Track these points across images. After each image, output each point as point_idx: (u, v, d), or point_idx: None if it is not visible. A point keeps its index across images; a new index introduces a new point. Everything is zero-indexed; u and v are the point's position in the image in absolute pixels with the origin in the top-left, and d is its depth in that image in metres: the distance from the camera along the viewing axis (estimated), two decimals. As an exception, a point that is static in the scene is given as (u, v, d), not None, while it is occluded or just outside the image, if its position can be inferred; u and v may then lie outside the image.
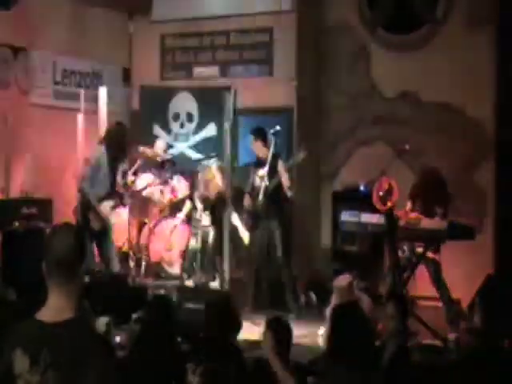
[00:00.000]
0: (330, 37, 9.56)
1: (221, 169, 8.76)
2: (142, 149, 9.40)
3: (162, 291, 8.04)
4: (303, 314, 8.22)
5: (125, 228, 8.73)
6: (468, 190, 8.73)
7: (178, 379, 4.36)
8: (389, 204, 7.09)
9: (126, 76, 10.60)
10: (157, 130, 10.02)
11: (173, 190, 9.36)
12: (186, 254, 8.71)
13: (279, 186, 8.08)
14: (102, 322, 5.53)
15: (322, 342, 6.32)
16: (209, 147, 9.57)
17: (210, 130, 9.78)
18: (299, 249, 9.31)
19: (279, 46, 9.83)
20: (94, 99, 9.21)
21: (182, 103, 10.00)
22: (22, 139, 8.71)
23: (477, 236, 6.99)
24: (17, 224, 7.90)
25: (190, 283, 8.40)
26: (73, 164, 9.02)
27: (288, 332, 4.54)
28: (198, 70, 10.32)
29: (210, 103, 9.64)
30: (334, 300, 6.28)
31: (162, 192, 9.33)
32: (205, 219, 8.61)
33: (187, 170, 9.46)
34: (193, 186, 8.91)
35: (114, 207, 7.83)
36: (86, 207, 7.71)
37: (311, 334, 6.77)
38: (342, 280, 6.34)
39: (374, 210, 7.16)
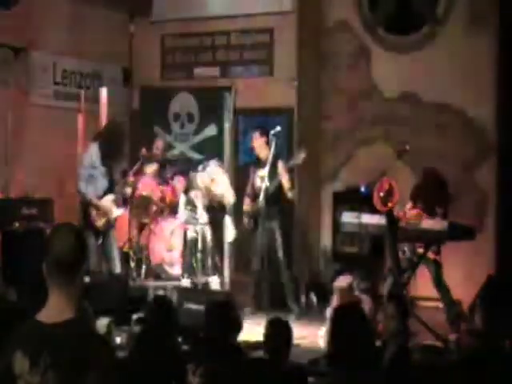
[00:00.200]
0: (330, 37, 9.56)
1: (220, 168, 8.76)
2: (142, 150, 9.40)
3: (163, 292, 8.04)
4: (304, 314, 8.23)
5: (125, 228, 8.73)
6: (468, 190, 8.73)
7: (178, 380, 4.36)
8: (389, 205, 7.09)
9: (127, 76, 10.59)
10: (157, 130, 10.02)
11: (173, 191, 9.36)
12: (184, 252, 8.69)
13: (280, 186, 8.09)
14: (102, 323, 5.53)
15: (322, 343, 6.32)
16: (209, 147, 9.58)
17: (211, 130, 9.78)
18: (299, 250, 9.31)
19: (279, 46, 9.83)
20: (95, 99, 9.21)
21: (183, 103, 10.01)
22: (22, 139, 8.71)
23: (477, 236, 6.99)
24: (17, 224, 7.90)
25: (187, 283, 8.39)
26: (73, 164, 9.01)
27: (288, 332, 4.54)
28: (199, 71, 10.32)
29: (211, 103, 9.65)
30: (335, 301, 6.28)
31: (162, 192, 9.33)
32: (202, 217, 8.59)
33: (188, 170, 9.45)
34: (188, 186, 8.87)
35: (115, 201, 7.82)
36: (87, 206, 7.72)
37: (312, 335, 6.77)
38: (343, 281, 6.34)
39: (375, 211, 7.16)
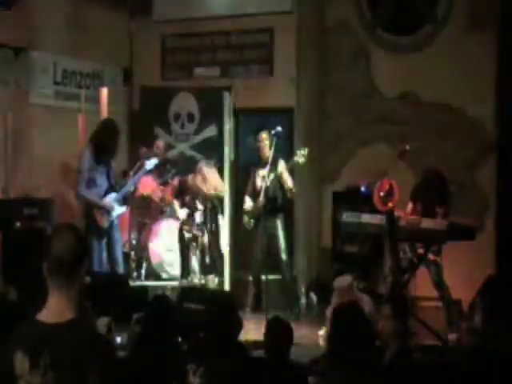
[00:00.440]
0: (330, 37, 9.57)
1: (210, 166, 8.77)
2: (142, 149, 9.41)
3: (163, 292, 8.04)
4: (304, 314, 8.23)
5: (125, 228, 8.73)
6: (469, 190, 8.74)
7: (178, 380, 4.36)
8: (389, 204, 7.09)
9: (127, 76, 10.59)
10: (157, 130, 10.02)
11: (173, 191, 9.35)
12: (182, 252, 8.68)
13: (281, 186, 8.09)
14: (102, 323, 5.53)
15: (322, 342, 6.32)
16: (209, 147, 9.57)
17: (211, 130, 9.78)
18: (300, 249, 9.31)
19: (279, 46, 9.83)
20: (95, 99, 9.20)
21: (183, 103, 10.00)
22: (22, 139, 8.70)
23: (477, 236, 6.99)
24: (17, 224, 7.90)
25: (185, 283, 8.38)
26: (73, 165, 9.01)
27: (289, 332, 4.54)
28: (199, 71, 10.32)
29: (211, 103, 9.64)
30: (335, 300, 6.27)
31: (162, 192, 9.33)
32: (199, 218, 8.59)
33: (188, 170, 9.44)
34: (181, 189, 8.86)
35: (116, 200, 7.83)
36: (90, 207, 7.73)
37: (312, 335, 6.78)
38: (343, 280, 6.34)
39: (375, 211, 7.16)
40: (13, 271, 7.47)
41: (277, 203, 8.09)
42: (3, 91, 8.52)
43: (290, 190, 8.16)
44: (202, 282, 8.45)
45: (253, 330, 6.02)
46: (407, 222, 6.81)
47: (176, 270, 8.81)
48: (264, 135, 8.19)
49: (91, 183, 7.69)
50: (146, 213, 9.42)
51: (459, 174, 8.71)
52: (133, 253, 9.11)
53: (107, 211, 7.72)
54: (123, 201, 8.01)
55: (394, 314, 4.80)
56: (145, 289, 8.00)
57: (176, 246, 8.78)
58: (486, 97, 8.66)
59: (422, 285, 7.54)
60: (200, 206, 8.64)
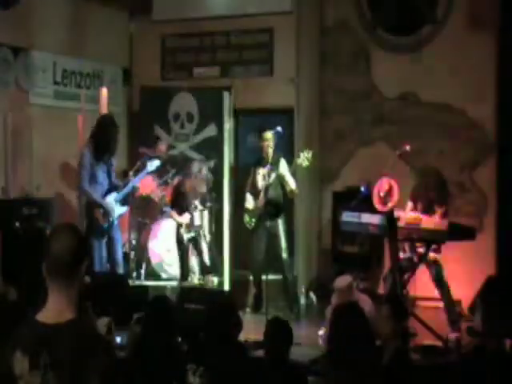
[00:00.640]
0: (330, 37, 9.57)
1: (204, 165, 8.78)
2: (142, 150, 9.41)
3: (163, 292, 8.04)
4: (304, 314, 8.23)
5: (125, 229, 8.73)
6: (468, 190, 8.74)
7: (178, 380, 4.36)
8: (389, 204, 7.09)
9: (127, 76, 10.59)
10: (157, 130, 10.02)
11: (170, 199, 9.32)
12: (182, 252, 8.67)
13: (282, 187, 8.08)
14: (102, 323, 5.53)
15: (322, 342, 6.32)
16: (209, 147, 9.57)
17: (211, 130, 9.77)
18: (300, 249, 9.31)
19: (279, 46, 9.83)
20: (95, 100, 9.20)
21: (183, 103, 9.99)
22: (22, 139, 8.70)
23: (477, 236, 6.99)
24: (17, 224, 7.90)
25: (186, 283, 8.38)
26: (73, 164, 9.02)
27: (288, 332, 4.54)
28: (199, 71, 10.32)
29: (211, 103, 9.64)
30: (335, 300, 6.27)
31: (162, 192, 9.33)
32: (197, 218, 8.58)
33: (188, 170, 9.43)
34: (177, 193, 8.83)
35: (117, 200, 7.82)
36: (91, 207, 7.72)
37: (311, 334, 6.77)
38: (343, 280, 6.33)
39: (375, 211, 7.16)
40: (13, 271, 7.46)
41: (279, 205, 8.06)
42: (3, 91, 8.52)
43: (292, 191, 8.15)
44: (202, 282, 8.45)
45: (253, 330, 6.01)
46: (407, 222, 6.80)
47: (176, 270, 8.81)
48: (269, 135, 8.18)
49: (92, 180, 7.68)
50: (145, 213, 9.42)
51: (459, 174, 8.71)
52: (132, 253, 9.11)
53: (108, 211, 7.72)
54: (124, 201, 8.01)
55: (392, 314, 4.80)
56: (145, 289, 8.00)
57: (175, 245, 8.77)
58: (486, 97, 8.66)
59: (422, 285, 7.54)
60: (200, 207, 8.64)
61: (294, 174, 8.16)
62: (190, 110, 9.97)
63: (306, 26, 9.55)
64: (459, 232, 6.69)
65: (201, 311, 6.09)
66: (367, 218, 7.02)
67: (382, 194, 7.17)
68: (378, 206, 7.19)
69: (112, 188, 7.83)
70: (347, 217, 7.26)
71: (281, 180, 8.12)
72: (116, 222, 7.83)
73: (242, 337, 5.04)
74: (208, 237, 8.77)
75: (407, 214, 6.97)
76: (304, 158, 7.88)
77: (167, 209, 9.05)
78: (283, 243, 8.11)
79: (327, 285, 7.68)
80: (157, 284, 8.87)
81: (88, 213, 7.80)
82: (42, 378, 2.48)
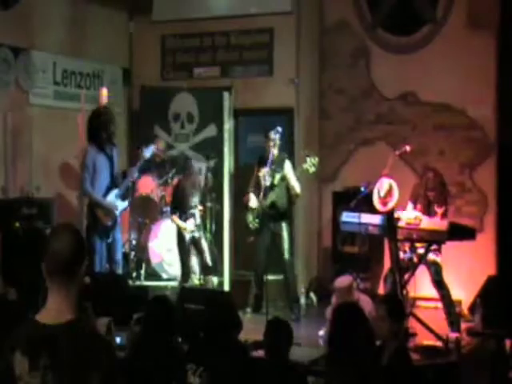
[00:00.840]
0: (330, 37, 9.57)
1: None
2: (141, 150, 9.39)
3: (163, 292, 8.03)
4: (304, 314, 8.23)
5: (125, 229, 8.73)
6: (468, 190, 8.74)
7: (178, 380, 4.36)
8: (389, 205, 7.09)
9: (127, 76, 10.59)
10: (157, 130, 10.02)
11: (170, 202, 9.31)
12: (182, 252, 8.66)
13: (287, 187, 8.06)
14: (102, 323, 5.53)
15: (322, 343, 6.32)
16: (209, 148, 9.57)
17: (211, 130, 9.77)
18: (300, 249, 9.31)
19: (279, 46, 9.82)
20: (95, 100, 9.19)
21: (183, 104, 9.99)
22: (22, 139, 8.70)
23: (478, 236, 6.99)
24: (17, 224, 7.90)
25: (185, 283, 8.37)
26: (73, 165, 9.02)
27: (288, 332, 4.54)
28: (199, 71, 10.32)
29: (211, 103, 9.63)
30: (335, 301, 6.28)
31: (162, 192, 9.33)
32: (198, 218, 8.56)
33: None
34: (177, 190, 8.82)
35: (118, 196, 7.80)
36: (93, 206, 7.71)
37: (312, 335, 6.77)
38: (343, 281, 6.34)
39: (375, 211, 7.16)
40: (12, 271, 7.46)
41: (283, 203, 8.05)
42: (3, 91, 8.52)
43: (297, 195, 8.13)
44: (202, 282, 8.45)
45: (253, 331, 6.00)
46: (407, 222, 6.80)
47: (176, 270, 8.81)
48: (276, 136, 8.18)
49: (95, 175, 7.63)
50: (145, 213, 9.41)
51: (459, 174, 8.71)
52: (132, 253, 9.11)
53: (110, 210, 7.69)
54: (125, 195, 7.96)
55: (388, 315, 4.80)
56: (144, 289, 7.99)
57: (176, 246, 8.76)
58: (486, 97, 8.66)
59: (421, 285, 7.54)
60: (199, 207, 8.63)
61: (298, 179, 8.13)
62: (190, 110, 9.98)
63: (306, 26, 9.56)
64: (459, 232, 6.69)
65: (201, 311, 6.08)
66: (367, 218, 7.01)
67: (381, 194, 7.17)
68: (378, 206, 7.19)
69: (113, 183, 7.77)
70: (347, 217, 7.26)
71: (286, 181, 8.07)
72: (119, 220, 7.80)
73: (242, 337, 5.04)
74: (208, 237, 8.77)
75: (407, 215, 6.96)
76: (311, 164, 7.86)
77: (167, 209, 9.05)
78: (286, 244, 8.10)
79: (327, 285, 7.68)
80: (157, 284, 8.87)
81: (90, 213, 7.77)
82: (41, 379, 2.47)
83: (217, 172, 9.11)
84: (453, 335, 6.66)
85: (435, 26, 9.02)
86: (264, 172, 8.07)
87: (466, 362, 5.41)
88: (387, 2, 9.29)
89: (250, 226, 8.19)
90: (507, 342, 6.02)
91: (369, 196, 7.34)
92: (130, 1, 10.49)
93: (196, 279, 8.53)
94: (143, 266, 9.22)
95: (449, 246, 7.02)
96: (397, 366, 4.53)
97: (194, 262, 8.63)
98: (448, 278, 7.29)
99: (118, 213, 7.74)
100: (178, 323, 4.82)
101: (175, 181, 9.16)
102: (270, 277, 7.98)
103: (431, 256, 7.13)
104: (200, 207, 8.62)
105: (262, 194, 8.07)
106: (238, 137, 10.01)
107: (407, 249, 7.27)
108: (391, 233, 6.88)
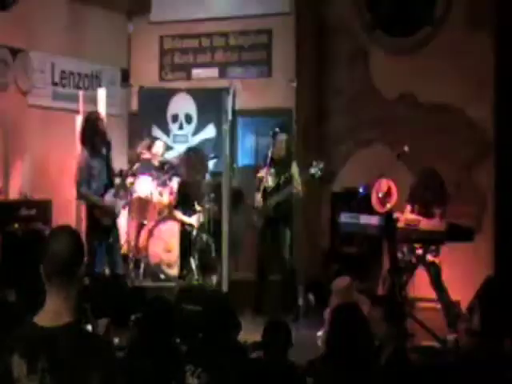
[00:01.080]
0: (329, 38, 9.57)
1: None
2: (140, 150, 9.40)
3: (161, 293, 8.02)
4: (302, 315, 8.22)
5: (123, 230, 8.72)
6: (467, 190, 8.74)
7: (177, 381, 4.35)
8: (388, 205, 7.10)
9: (125, 77, 10.59)
10: (156, 131, 10.02)
11: (171, 192, 9.34)
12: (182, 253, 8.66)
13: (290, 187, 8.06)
14: (101, 324, 5.53)
15: (321, 343, 6.32)
16: (208, 148, 9.57)
17: (209, 131, 9.78)
18: (298, 250, 9.30)
19: (278, 47, 9.83)
20: (93, 100, 9.19)
21: (181, 104, 9.99)
22: (20, 140, 8.70)
23: (476, 237, 6.99)
24: (16, 226, 7.89)
25: (183, 283, 8.37)
26: (72, 165, 9.01)
27: (287, 333, 4.54)
28: (197, 72, 10.32)
29: (209, 104, 9.64)
30: (333, 301, 6.27)
31: (160, 193, 9.33)
32: (198, 218, 8.57)
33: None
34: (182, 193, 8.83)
35: (115, 195, 7.78)
36: (92, 207, 7.69)
37: (310, 336, 6.77)
38: (341, 281, 6.33)
39: (373, 212, 7.16)
40: (11, 273, 7.45)
41: (287, 204, 8.06)
42: (2, 92, 8.52)
43: (299, 196, 8.14)
44: (201, 282, 8.44)
45: (252, 331, 6.00)
46: (406, 223, 6.80)
47: (174, 271, 8.81)
48: (284, 137, 8.18)
49: (90, 177, 7.61)
50: (144, 214, 9.41)
51: (458, 175, 8.70)
52: (131, 254, 9.10)
53: (109, 210, 7.66)
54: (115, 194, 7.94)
55: (384, 316, 4.79)
56: (143, 290, 7.99)
57: (174, 246, 8.77)
58: (485, 97, 8.66)
59: (420, 286, 7.54)
60: (198, 207, 8.64)
61: (303, 183, 8.13)
62: (188, 111, 9.98)
63: (305, 26, 9.55)
64: (458, 233, 6.70)
65: (199, 312, 6.08)
66: (366, 218, 7.02)
67: (380, 195, 7.18)
68: (376, 206, 7.20)
69: (110, 183, 7.75)
70: (346, 218, 7.26)
71: (294, 182, 8.06)
72: (118, 221, 7.79)
73: (241, 338, 5.04)
74: (207, 237, 8.76)
75: (406, 215, 6.97)
76: (317, 170, 7.86)
77: (165, 210, 9.05)
78: (286, 244, 8.10)
79: (326, 286, 7.68)
80: (155, 285, 8.86)
81: (89, 214, 7.75)
82: (39, 382, 2.47)
83: (216, 172, 9.12)
84: (451, 336, 6.66)
85: (434, 27, 9.02)
86: (270, 173, 8.07)
87: (464, 362, 5.40)
88: (386, 3, 9.29)
89: (254, 224, 8.20)
90: (506, 342, 6.03)
91: (367, 197, 7.35)
92: (128, 2, 10.48)
93: (195, 279, 8.53)
94: (141, 266, 9.21)
95: (447, 247, 7.03)
96: (395, 366, 4.53)
97: (193, 262, 8.64)
98: (446, 278, 7.29)
99: (117, 211, 7.72)
100: (176, 324, 4.81)
101: (174, 182, 9.18)
102: (270, 277, 7.97)
103: (429, 257, 7.13)
104: (198, 208, 8.63)
105: (262, 194, 8.07)
106: (236, 138, 10.01)
107: (405, 250, 7.26)
108: (390, 234, 6.88)
